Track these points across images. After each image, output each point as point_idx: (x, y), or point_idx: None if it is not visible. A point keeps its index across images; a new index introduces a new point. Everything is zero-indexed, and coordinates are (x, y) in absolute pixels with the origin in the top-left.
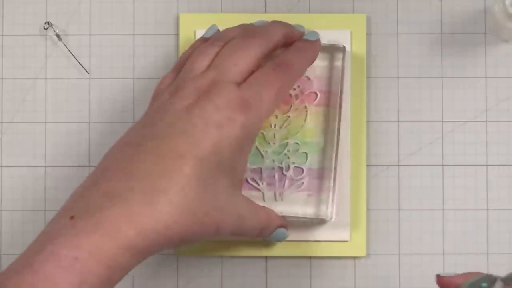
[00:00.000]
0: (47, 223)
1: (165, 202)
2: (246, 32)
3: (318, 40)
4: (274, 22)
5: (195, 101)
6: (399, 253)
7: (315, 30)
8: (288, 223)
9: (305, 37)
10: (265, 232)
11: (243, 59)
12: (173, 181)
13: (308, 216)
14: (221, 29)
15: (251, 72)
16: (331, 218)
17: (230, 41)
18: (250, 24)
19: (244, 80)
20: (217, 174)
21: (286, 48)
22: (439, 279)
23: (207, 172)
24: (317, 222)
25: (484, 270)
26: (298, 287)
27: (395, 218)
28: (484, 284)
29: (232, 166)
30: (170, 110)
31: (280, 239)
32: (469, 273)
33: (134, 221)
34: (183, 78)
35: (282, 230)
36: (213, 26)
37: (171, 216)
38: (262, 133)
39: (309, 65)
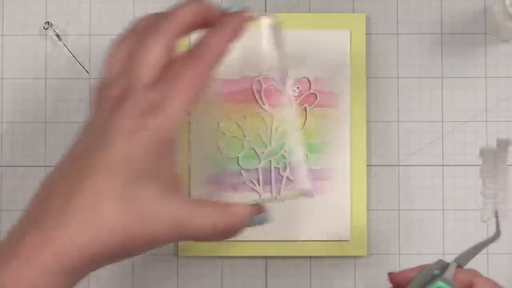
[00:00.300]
0: None
1: (76, 222)
2: (150, 22)
3: (240, 12)
4: (184, 1)
5: (109, 112)
6: (399, 253)
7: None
8: (266, 207)
9: (227, 11)
10: (232, 230)
11: (150, 56)
12: (85, 200)
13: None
14: None
15: (166, 64)
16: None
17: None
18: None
19: (159, 76)
20: (139, 182)
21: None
22: (391, 276)
23: (124, 183)
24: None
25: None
26: (298, 287)
27: (395, 218)
28: (436, 272)
29: (157, 171)
30: (88, 125)
31: (260, 224)
32: (422, 266)
33: (48, 245)
34: (100, 86)
35: (259, 217)
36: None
37: (84, 236)
38: (259, 134)
39: (231, 41)
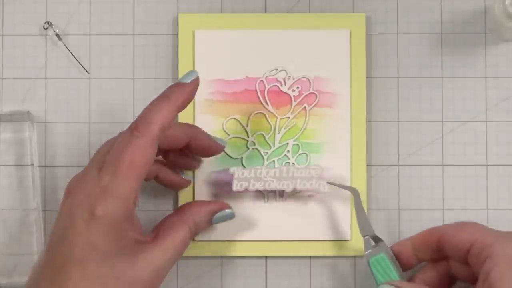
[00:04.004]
0: (46, 223)
1: None
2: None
3: (190, 84)
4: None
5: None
6: None
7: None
8: (226, 204)
9: (180, 79)
10: (198, 229)
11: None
12: None
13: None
14: (222, 32)
15: None
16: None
17: None
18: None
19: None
20: (111, 258)
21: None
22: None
23: (97, 267)
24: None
25: None
26: (298, 287)
27: (395, 218)
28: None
29: (120, 247)
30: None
31: (225, 220)
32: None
33: None
34: None
35: (221, 213)
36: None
37: None
38: (263, 135)
39: (177, 112)
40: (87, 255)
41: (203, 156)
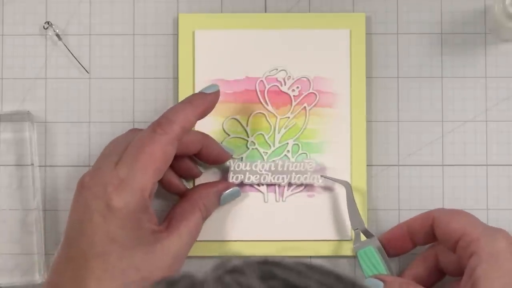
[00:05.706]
0: (46, 223)
1: None
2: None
3: (212, 94)
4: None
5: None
6: None
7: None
8: (232, 183)
9: (202, 90)
10: (208, 211)
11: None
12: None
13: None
14: (222, 32)
15: None
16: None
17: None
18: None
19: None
20: (130, 249)
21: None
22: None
23: (117, 259)
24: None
25: None
26: None
27: (395, 218)
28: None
29: (140, 235)
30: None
31: (233, 199)
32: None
33: None
34: None
35: (227, 193)
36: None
37: None
38: (263, 135)
39: (198, 118)
40: (107, 248)
41: (211, 164)
